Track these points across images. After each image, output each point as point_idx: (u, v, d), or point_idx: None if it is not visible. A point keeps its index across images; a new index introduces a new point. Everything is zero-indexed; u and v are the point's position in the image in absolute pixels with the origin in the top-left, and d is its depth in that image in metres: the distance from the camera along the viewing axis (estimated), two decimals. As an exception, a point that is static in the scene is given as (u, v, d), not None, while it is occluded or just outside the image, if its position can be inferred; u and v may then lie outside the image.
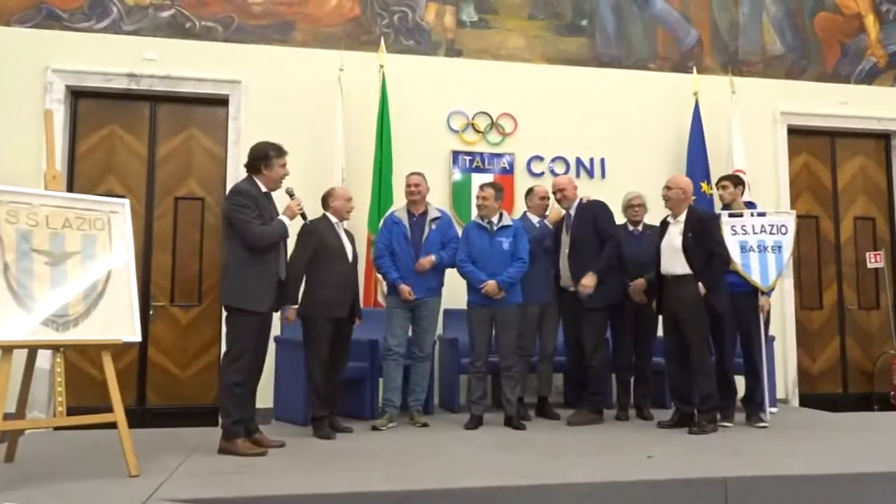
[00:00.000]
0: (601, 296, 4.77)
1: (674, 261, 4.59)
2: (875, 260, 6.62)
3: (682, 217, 4.65)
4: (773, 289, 4.85)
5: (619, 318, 5.07)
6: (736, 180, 5.08)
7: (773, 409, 5.09)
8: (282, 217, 3.95)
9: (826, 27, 6.97)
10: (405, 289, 4.67)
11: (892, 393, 6.43)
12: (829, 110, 6.79)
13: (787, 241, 4.84)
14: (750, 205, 5.10)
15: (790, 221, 4.90)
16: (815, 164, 6.96)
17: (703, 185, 6.07)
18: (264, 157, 3.94)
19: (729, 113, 6.35)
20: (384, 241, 4.82)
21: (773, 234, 4.83)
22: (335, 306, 4.35)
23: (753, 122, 6.51)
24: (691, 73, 6.47)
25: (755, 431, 4.58)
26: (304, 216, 4.12)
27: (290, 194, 4.08)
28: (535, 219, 5.13)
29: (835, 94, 6.82)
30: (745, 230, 4.82)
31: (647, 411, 5.06)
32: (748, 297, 4.78)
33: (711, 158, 6.25)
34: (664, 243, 4.69)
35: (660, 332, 5.00)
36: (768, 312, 4.92)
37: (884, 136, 7.05)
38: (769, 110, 6.66)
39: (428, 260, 4.74)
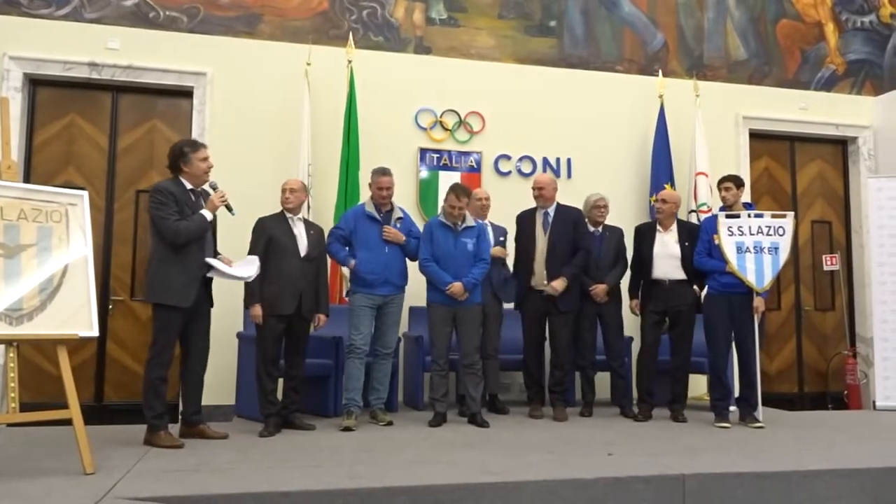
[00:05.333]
0: (575, 299, 5.03)
1: (674, 267, 5.00)
2: (831, 263, 6.78)
3: (674, 227, 5.04)
4: (767, 290, 4.88)
5: (582, 317, 5.18)
6: (738, 181, 5.04)
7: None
8: (203, 212, 3.94)
9: (788, 34, 7.12)
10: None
11: (846, 392, 6.60)
12: (790, 116, 6.94)
13: (785, 243, 4.85)
14: (748, 206, 5.10)
15: (788, 224, 4.90)
16: (776, 168, 7.11)
17: (667, 187, 6.15)
18: (181, 155, 3.99)
19: (693, 116, 6.45)
20: (342, 231, 4.72)
21: (771, 235, 4.84)
22: (279, 303, 4.31)
23: (716, 125, 6.63)
24: (657, 75, 6.56)
25: (712, 429, 4.66)
26: (228, 208, 4.06)
27: (213, 188, 4.07)
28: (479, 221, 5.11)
29: (795, 100, 6.98)
30: (741, 231, 4.84)
31: (629, 409, 5.12)
32: (743, 298, 4.78)
33: (675, 160, 6.34)
34: (658, 250, 5.01)
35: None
36: (763, 314, 4.92)
37: (841, 142, 7.23)
38: (732, 114, 6.79)
39: (396, 232, 4.70)
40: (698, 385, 6.02)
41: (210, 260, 3.96)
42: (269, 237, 4.36)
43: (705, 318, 4.92)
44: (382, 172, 4.75)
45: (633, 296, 5.20)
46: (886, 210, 6.21)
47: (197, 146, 4.05)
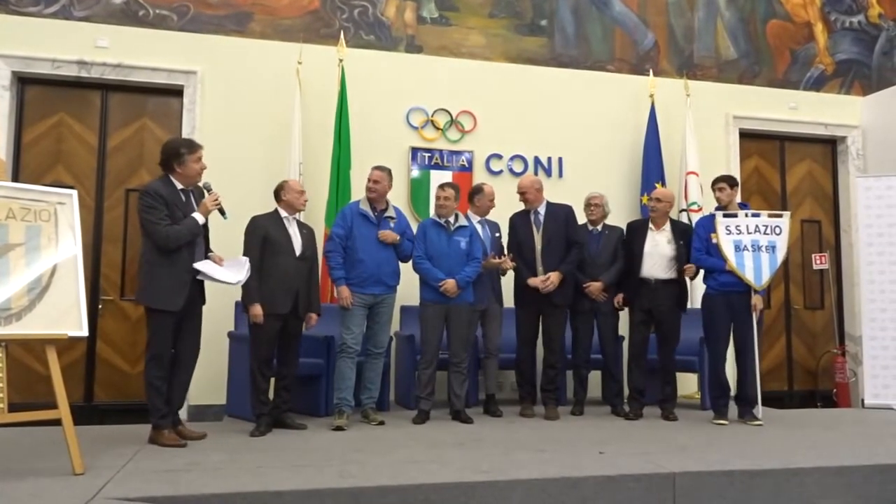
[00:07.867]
0: (568, 294, 5.03)
1: (663, 266, 5.02)
2: (820, 262, 6.82)
3: (667, 226, 5.05)
4: (765, 288, 4.92)
5: (577, 315, 5.19)
6: (732, 181, 5.05)
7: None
8: (195, 215, 3.88)
9: (777, 34, 7.16)
10: (345, 295, 4.58)
11: (835, 390, 6.65)
12: (780, 115, 6.97)
13: (781, 242, 4.87)
14: (743, 205, 5.11)
15: (784, 223, 4.93)
16: (765, 168, 7.15)
17: (658, 186, 6.18)
18: (176, 155, 3.89)
19: (683, 115, 6.48)
20: (341, 231, 4.69)
21: (768, 234, 4.86)
22: (275, 302, 4.29)
23: (707, 125, 6.65)
24: (648, 75, 6.58)
25: (703, 428, 4.68)
26: (221, 212, 3.99)
27: (207, 189, 4.02)
28: (475, 218, 5.11)
29: (785, 100, 7.01)
30: (739, 230, 4.86)
31: (620, 408, 5.14)
32: (742, 297, 4.80)
33: (666, 160, 6.36)
34: (649, 248, 5.02)
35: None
36: (762, 311, 4.92)
37: (830, 142, 7.27)
38: (722, 114, 6.82)
39: (390, 234, 4.70)
40: (689, 383, 6.05)
41: (198, 265, 3.89)
42: (264, 236, 4.34)
43: (704, 316, 4.94)
44: (375, 167, 4.79)
45: (618, 290, 5.18)
46: (875, 209, 6.25)
47: (194, 147, 3.95)
